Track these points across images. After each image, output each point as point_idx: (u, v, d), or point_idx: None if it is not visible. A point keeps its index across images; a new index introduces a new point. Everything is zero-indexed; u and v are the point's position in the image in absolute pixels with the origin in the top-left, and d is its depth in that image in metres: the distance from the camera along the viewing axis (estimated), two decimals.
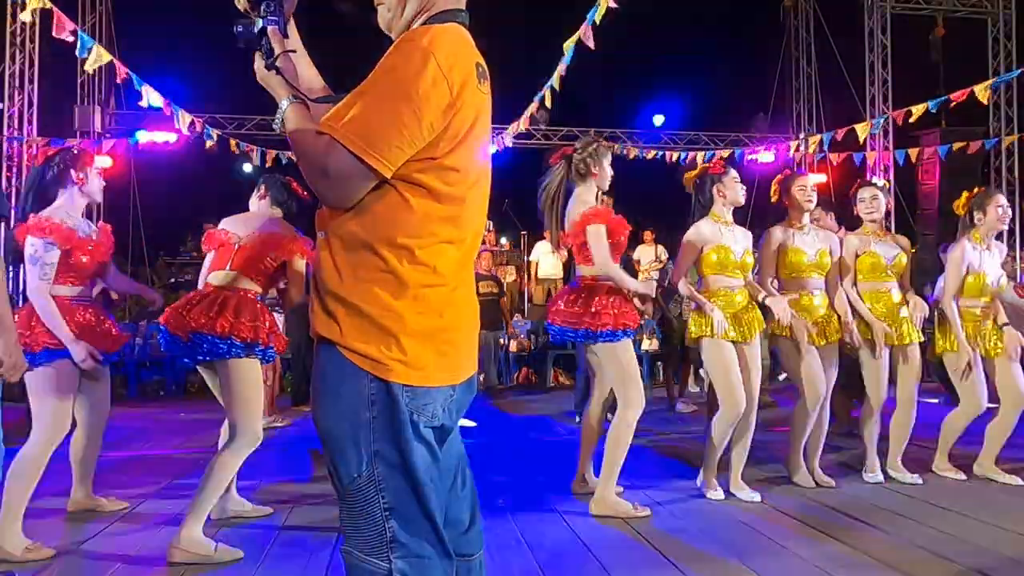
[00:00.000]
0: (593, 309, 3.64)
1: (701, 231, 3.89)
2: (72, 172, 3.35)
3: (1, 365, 2.31)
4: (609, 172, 3.81)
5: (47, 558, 3.04)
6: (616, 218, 3.76)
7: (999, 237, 4.49)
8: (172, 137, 10.00)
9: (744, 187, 4.02)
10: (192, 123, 8.82)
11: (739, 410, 3.77)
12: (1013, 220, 11.30)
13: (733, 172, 3.99)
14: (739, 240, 3.93)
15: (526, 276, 11.15)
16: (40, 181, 3.36)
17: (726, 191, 3.92)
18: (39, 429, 3.16)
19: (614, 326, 3.62)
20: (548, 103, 8.51)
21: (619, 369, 3.68)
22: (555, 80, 7.88)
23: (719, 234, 3.88)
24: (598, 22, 6.47)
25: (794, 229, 4.11)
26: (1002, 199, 4.28)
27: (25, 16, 5.80)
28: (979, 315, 4.24)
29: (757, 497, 3.81)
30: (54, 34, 5.94)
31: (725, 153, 11.37)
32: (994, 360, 4.21)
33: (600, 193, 3.85)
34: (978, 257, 4.22)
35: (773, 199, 4.28)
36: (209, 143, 9.37)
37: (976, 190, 4.39)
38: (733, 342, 3.82)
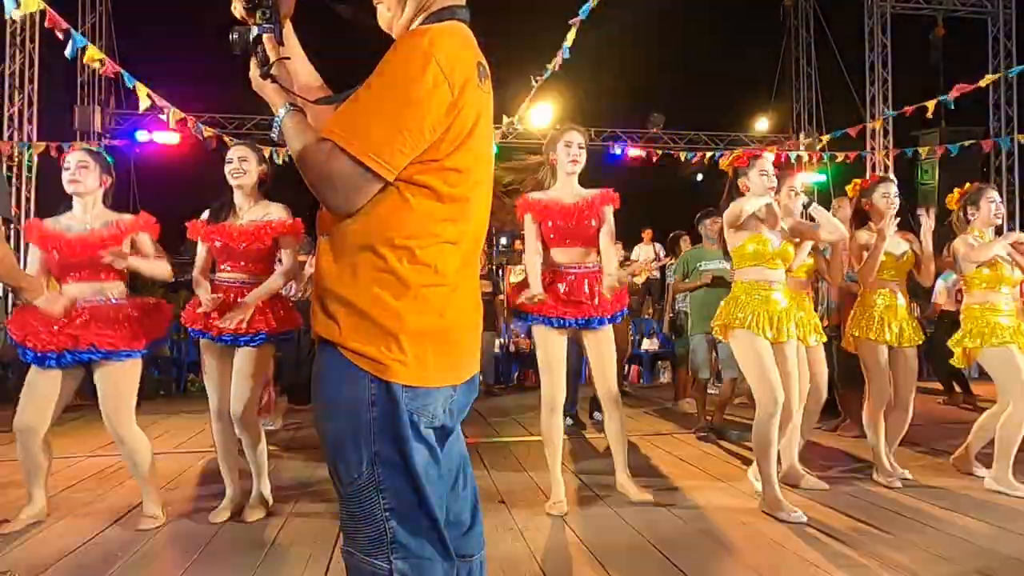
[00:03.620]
0: (520, 291, 3.74)
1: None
2: None
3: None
4: (565, 155, 3.69)
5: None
6: (540, 203, 3.70)
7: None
8: (173, 138, 10.00)
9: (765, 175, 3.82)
10: (183, 120, 8.81)
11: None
12: (1013, 220, 11.33)
13: (758, 164, 3.81)
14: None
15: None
16: None
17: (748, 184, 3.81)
18: None
19: (521, 308, 3.70)
20: (545, 74, 8.46)
21: (538, 355, 3.77)
22: (553, 66, 7.89)
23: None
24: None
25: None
26: (994, 195, 4.20)
27: (16, 15, 5.76)
28: (1004, 310, 4.04)
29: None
30: (47, 25, 5.93)
31: (727, 158, 11.37)
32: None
33: (564, 176, 3.73)
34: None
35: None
36: (206, 135, 9.34)
37: (969, 185, 4.35)
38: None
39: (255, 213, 3.58)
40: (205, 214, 3.65)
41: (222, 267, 3.60)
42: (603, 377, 3.80)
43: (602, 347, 3.76)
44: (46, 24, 5.93)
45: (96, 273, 3.39)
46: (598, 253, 3.74)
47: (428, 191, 1.45)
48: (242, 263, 3.56)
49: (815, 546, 3.13)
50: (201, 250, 3.65)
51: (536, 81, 8.22)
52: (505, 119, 10.14)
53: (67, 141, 10.20)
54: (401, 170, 1.42)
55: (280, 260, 3.58)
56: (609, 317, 3.71)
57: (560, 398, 3.77)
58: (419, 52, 1.40)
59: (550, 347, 3.73)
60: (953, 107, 8.07)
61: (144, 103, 7.14)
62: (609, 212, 3.71)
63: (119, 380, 3.40)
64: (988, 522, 3.41)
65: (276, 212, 3.58)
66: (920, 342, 4.18)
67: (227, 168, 3.57)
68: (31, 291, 2.95)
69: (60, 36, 5.99)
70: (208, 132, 9.35)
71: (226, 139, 9.46)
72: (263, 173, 3.63)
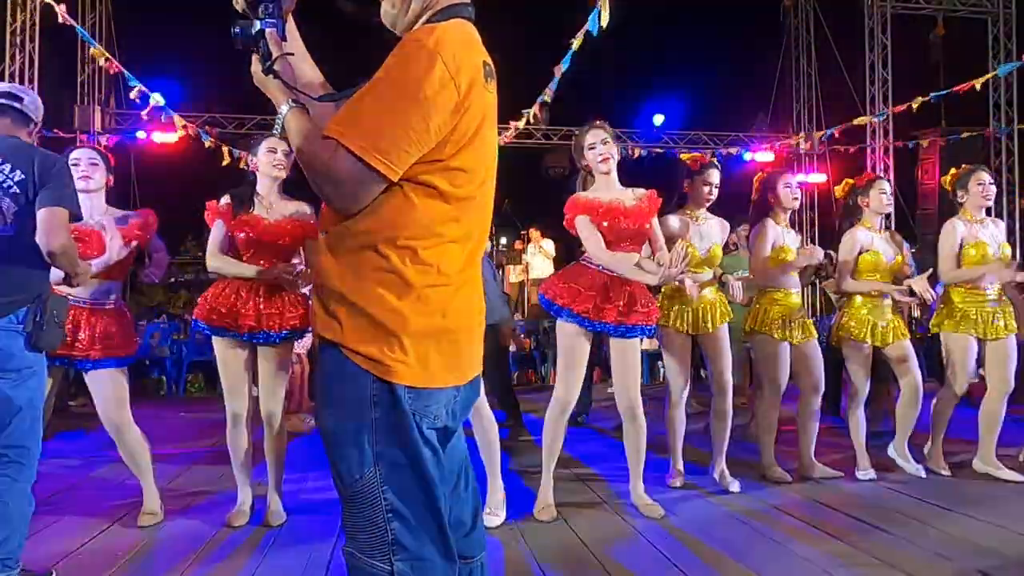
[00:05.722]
0: (560, 283, 3.65)
1: (667, 224, 3.89)
2: None
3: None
4: (593, 157, 3.60)
5: None
6: (597, 204, 3.57)
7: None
8: (172, 137, 10.00)
9: (709, 186, 4.02)
10: (184, 127, 8.84)
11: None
12: (1013, 219, 11.33)
13: (705, 173, 4.00)
14: (704, 235, 3.96)
15: (526, 276, 11.18)
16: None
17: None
18: None
19: (555, 300, 3.56)
20: (548, 97, 8.47)
21: (560, 353, 3.65)
22: (556, 78, 7.88)
23: (686, 228, 3.93)
24: (603, 24, 6.28)
25: (782, 227, 4.14)
26: (984, 176, 4.21)
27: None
28: (984, 294, 4.14)
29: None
30: (60, 20, 5.94)
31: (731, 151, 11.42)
32: (987, 344, 4.15)
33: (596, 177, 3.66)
34: (973, 231, 4.15)
35: (754, 196, 4.31)
36: (208, 142, 9.35)
37: (962, 167, 4.36)
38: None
39: (286, 209, 3.44)
40: (225, 199, 3.46)
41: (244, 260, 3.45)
42: (625, 387, 3.62)
43: (628, 356, 3.59)
44: (60, 19, 5.93)
45: (107, 270, 3.26)
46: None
47: (433, 191, 1.45)
48: (269, 258, 3.38)
49: (815, 546, 3.13)
50: (217, 233, 3.41)
51: (551, 84, 8.19)
52: (511, 129, 10.11)
53: (67, 141, 10.20)
54: (406, 170, 1.41)
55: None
56: (649, 329, 3.62)
57: (573, 402, 3.64)
58: (425, 51, 1.39)
59: (576, 347, 3.55)
60: (938, 112, 8.08)
61: (136, 94, 7.14)
62: (656, 221, 3.62)
63: (115, 379, 3.38)
64: (989, 522, 3.41)
65: (306, 209, 3.46)
66: (907, 336, 4.20)
67: (269, 159, 3.42)
68: (83, 275, 2.76)
69: (64, 19, 5.99)
70: (209, 142, 9.35)
71: (225, 149, 9.42)
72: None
